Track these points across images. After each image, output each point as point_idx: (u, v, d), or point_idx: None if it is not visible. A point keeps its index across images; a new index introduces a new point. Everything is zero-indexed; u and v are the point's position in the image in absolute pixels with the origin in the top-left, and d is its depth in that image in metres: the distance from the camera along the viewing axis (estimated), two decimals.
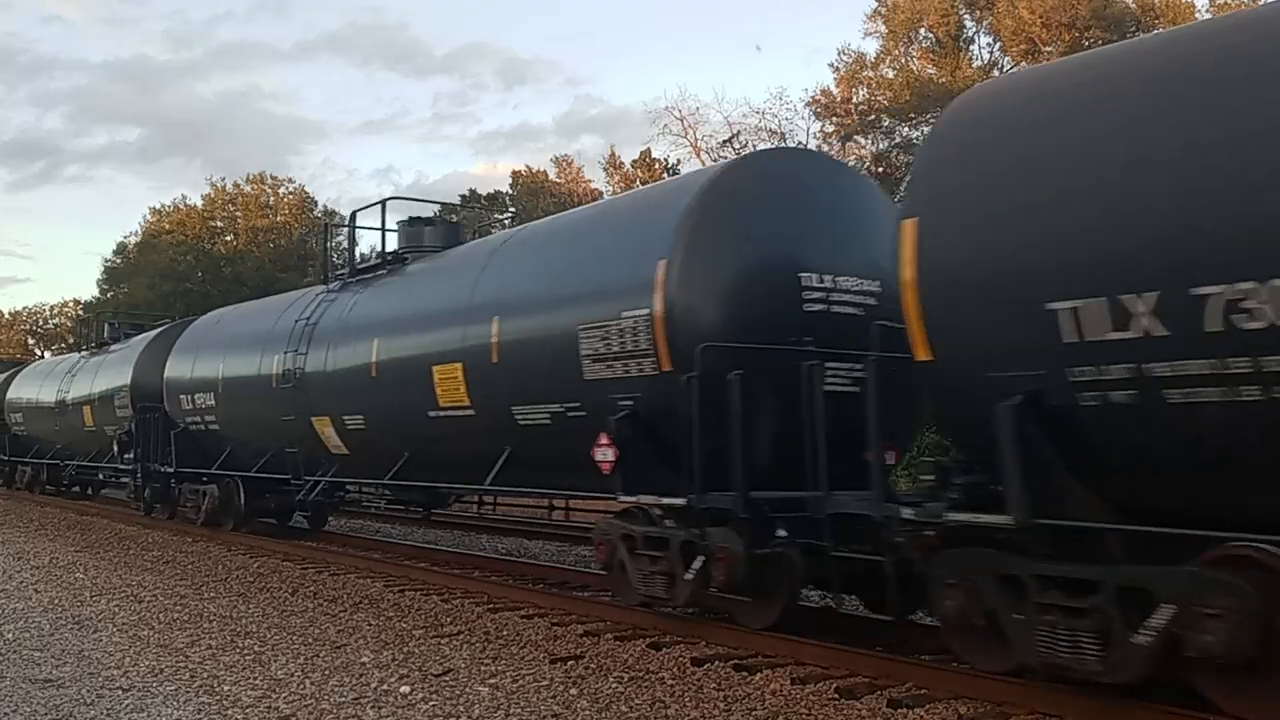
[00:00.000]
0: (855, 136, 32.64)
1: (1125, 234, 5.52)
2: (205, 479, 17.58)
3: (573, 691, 7.05)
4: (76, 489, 27.73)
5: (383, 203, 14.62)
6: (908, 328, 6.53)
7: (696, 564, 8.31)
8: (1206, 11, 28.73)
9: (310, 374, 13.90)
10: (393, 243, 14.12)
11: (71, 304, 65.10)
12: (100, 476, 24.66)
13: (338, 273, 15.64)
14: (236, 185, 52.54)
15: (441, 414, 11.33)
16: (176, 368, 18.46)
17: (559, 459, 9.86)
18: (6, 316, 72.69)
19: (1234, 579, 5.26)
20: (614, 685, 7.20)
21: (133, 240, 52.87)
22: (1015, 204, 6.12)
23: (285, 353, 14.31)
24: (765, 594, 8.19)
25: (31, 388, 27.73)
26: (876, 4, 33.23)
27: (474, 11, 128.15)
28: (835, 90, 33.25)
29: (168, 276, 47.64)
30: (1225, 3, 27.71)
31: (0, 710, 6.71)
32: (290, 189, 52.81)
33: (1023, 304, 5.88)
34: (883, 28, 33.11)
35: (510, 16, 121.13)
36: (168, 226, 51.51)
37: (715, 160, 34.01)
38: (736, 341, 8.23)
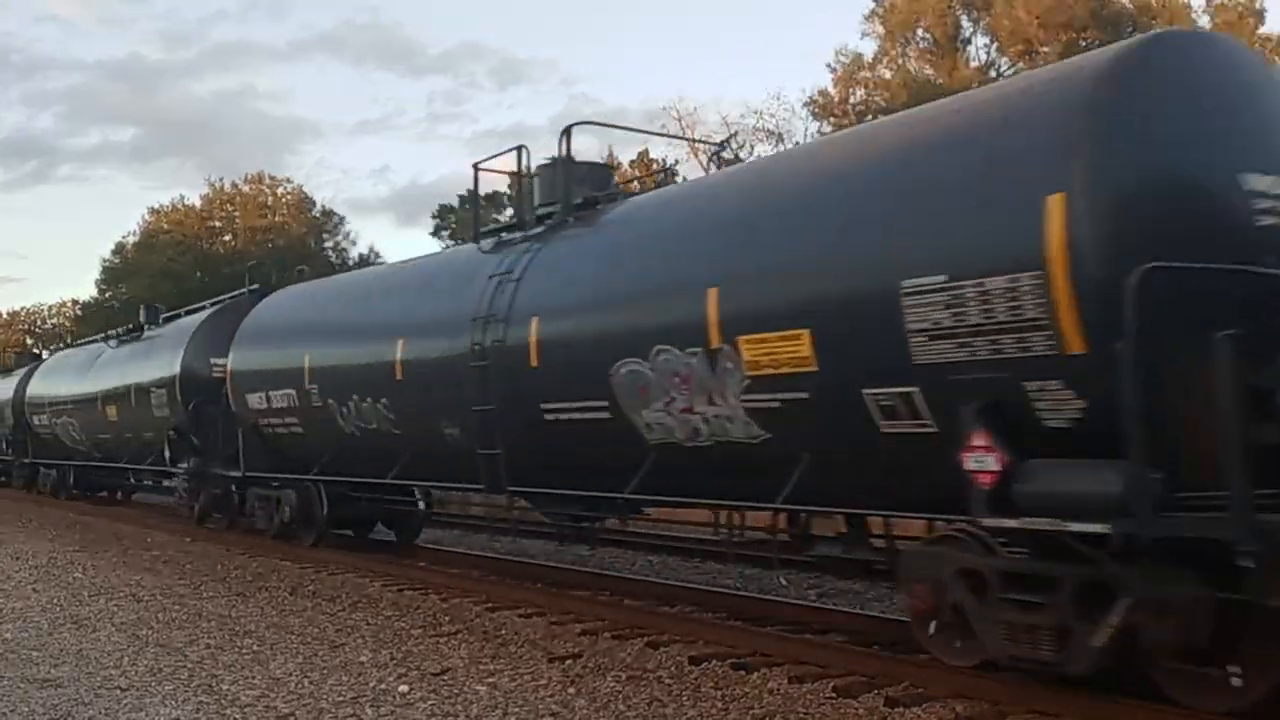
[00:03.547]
0: None
1: None
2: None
3: (571, 690, 7.07)
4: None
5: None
6: None
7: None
8: (1203, 12, 28.83)
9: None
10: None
11: (69, 304, 65.10)
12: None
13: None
14: (235, 185, 52.71)
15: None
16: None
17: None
18: (4, 316, 72.69)
19: None
20: (612, 684, 7.22)
21: (131, 240, 52.91)
22: None
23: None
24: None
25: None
26: (874, 4, 33.31)
27: (469, 11, 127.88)
28: (833, 91, 33.33)
29: (167, 276, 47.59)
30: (1223, 3, 27.79)
31: None
32: (289, 189, 53.02)
33: None
34: (880, 28, 33.19)
35: (505, 16, 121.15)
36: (166, 226, 51.56)
37: (712, 161, 33.98)
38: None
